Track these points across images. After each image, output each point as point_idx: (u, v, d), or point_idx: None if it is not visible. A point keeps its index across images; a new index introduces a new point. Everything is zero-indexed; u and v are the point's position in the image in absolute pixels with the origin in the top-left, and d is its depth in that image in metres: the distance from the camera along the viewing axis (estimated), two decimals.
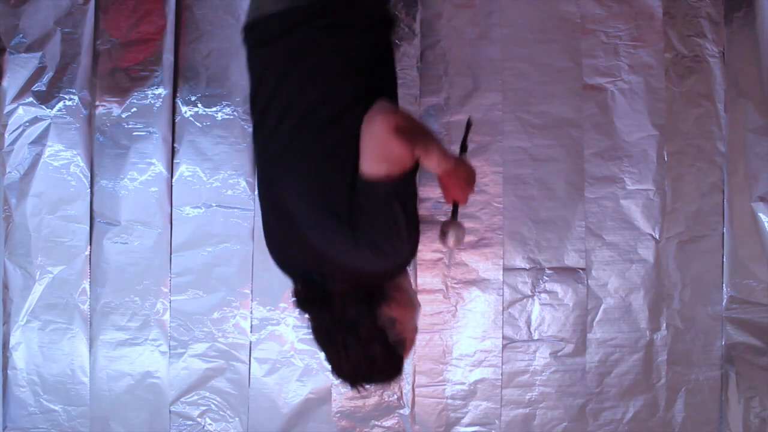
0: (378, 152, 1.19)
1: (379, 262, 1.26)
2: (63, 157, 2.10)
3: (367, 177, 1.19)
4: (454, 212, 1.45)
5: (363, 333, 1.26)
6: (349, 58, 1.31)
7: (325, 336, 1.30)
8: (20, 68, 2.09)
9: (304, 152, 1.28)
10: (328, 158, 1.25)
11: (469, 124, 1.51)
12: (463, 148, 1.48)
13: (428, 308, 2.04)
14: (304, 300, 1.32)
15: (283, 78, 1.33)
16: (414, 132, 1.20)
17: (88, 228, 2.08)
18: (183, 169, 2.08)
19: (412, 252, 1.34)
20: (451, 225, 1.44)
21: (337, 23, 1.32)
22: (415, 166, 1.25)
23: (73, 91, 2.08)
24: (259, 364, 2.06)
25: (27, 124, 2.10)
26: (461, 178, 1.34)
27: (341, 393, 2.05)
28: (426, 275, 2.04)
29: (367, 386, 1.37)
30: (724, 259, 2.01)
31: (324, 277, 1.29)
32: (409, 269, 1.76)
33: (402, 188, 1.22)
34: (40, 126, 2.10)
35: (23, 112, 2.10)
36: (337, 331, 1.27)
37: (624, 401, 2.02)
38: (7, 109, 2.10)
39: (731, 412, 2.00)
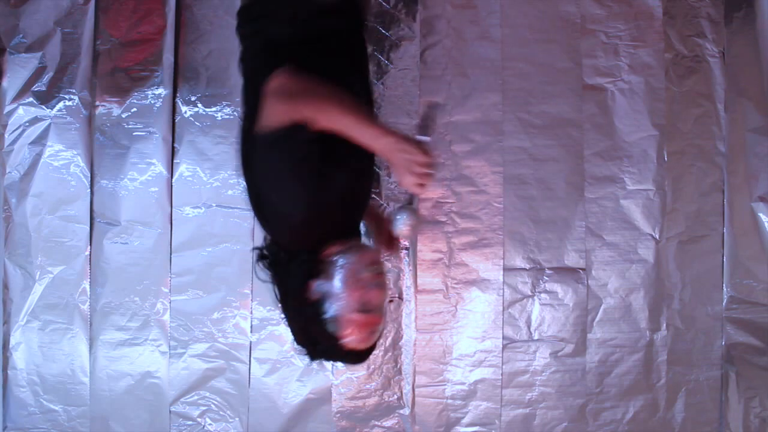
0: (261, 110, 1.26)
1: (273, 222, 1.32)
2: (63, 157, 2.10)
3: (254, 132, 1.28)
4: (410, 198, 1.39)
5: (292, 302, 1.29)
6: (271, 49, 1.37)
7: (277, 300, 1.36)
8: (20, 68, 2.09)
9: (240, 137, 1.38)
10: (244, 136, 1.35)
11: (431, 107, 1.40)
12: (422, 130, 1.40)
13: (428, 308, 2.04)
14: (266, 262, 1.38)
15: (240, 69, 1.44)
16: (300, 94, 1.24)
17: (88, 228, 2.08)
18: (183, 169, 2.08)
19: (302, 212, 1.30)
20: (400, 211, 1.36)
21: (260, 13, 1.41)
22: (304, 126, 1.25)
23: (73, 91, 2.08)
24: (259, 364, 2.06)
25: (27, 124, 2.10)
26: (402, 158, 1.25)
27: (341, 393, 2.05)
28: (426, 275, 2.04)
29: (316, 360, 1.34)
30: (724, 259, 2.01)
31: (272, 243, 1.37)
32: (369, 247, 1.62)
33: (283, 139, 1.25)
34: (40, 126, 2.10)
35: (23, 112, 2.10)
36: (280, 297, 1.32)
37: (624, 401, 2.02)
38: (7, 109, 2.10)
39: (731, 412, 2.00)
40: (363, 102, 1.42)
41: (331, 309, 1.26)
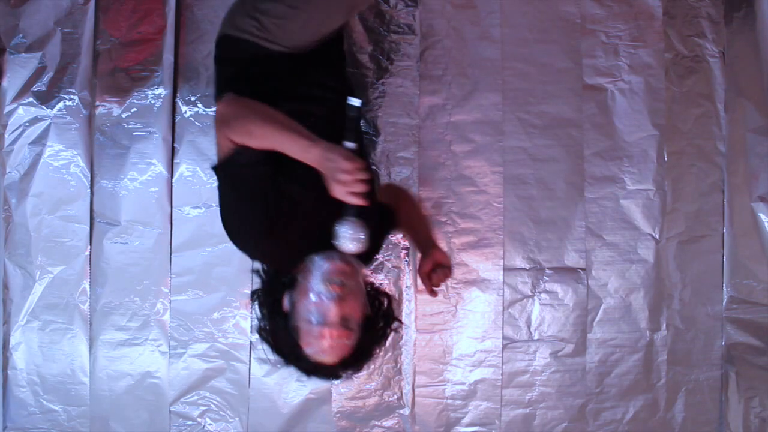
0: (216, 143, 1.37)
1: (243, 244, 1.40)
2: (63, 157, 2.10)
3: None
4: (347, 209, 1.24)
5: (268, 315, 1.36)
6: (228, 83, 1.46)
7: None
8: (20, 68, 2.09)
9: None
10: None
11: (355, 108, 1.27)
12: (348, 136, 1.24)
13: (428, 308, 2.04)
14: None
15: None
16: (231, 119, 1.29)
17: (88, 228, 2.08)
18: (183, 169, 2.08)
19: (260, 231, 1.32)
20: (339, 224, 1.26)
21: (224, 51, 1.54)
22: (246, 150, 1.28)
23: (73, 91, 2.08)
24: (259, 364, 2.06)
25: (27, 124, 2.10)
26: (328, 168, 1.21)
27: (341, 393, 2.05)
28: None
29: (296, 370, 1.38)
30: (724, 259, 2.01)
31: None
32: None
33: (229, 166, 1.32)
34: (40, 126, 2.10)
35: (23, 112, 2.10)
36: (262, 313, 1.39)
37: (624, 401, 2.02)
38: (7, 109, 2.09)
39: (731, 412, 2.00)
40: (328, 125, 1.33)
41: (293, 319, 1.30)
